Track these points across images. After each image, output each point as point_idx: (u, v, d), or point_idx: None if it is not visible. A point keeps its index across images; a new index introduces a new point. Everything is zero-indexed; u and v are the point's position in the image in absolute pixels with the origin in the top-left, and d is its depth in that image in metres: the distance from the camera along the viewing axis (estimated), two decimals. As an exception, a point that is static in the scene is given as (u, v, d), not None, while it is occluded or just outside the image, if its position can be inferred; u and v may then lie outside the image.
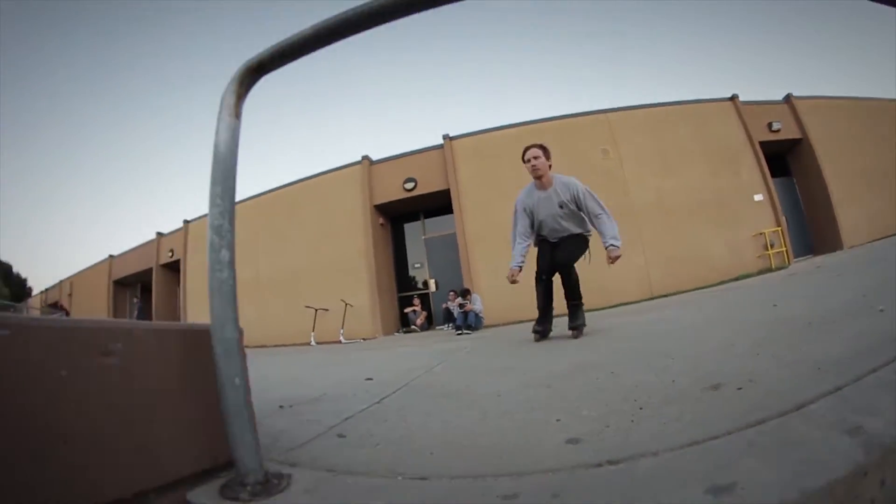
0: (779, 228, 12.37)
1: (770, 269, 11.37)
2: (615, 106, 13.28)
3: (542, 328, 4.46)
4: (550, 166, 4.44)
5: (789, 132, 13.79)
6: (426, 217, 14.36)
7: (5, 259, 40.47)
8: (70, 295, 23.82)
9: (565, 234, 4.45)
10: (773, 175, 13.14)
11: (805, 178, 13.98)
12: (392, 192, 13.51)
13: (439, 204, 13.57)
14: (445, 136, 13.37)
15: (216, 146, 1.32)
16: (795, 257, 12.58)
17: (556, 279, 4.56)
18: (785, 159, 14.53)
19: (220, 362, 1.14)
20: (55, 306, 24.53)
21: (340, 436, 1.60)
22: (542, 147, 4.40)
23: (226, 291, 1.20)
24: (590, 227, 4.47)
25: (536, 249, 4.69)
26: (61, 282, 25.49)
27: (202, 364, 1.20)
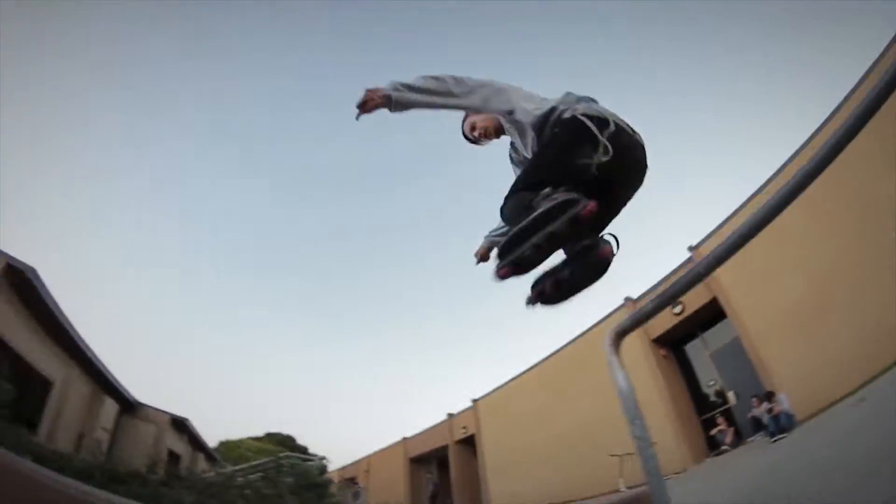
0: None
1: None
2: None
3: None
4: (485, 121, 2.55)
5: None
6: (703, 331, 13.83)
7: (301, 442, 47.87)
8: (367, 472, 26.98)
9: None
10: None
11: None
12: (663, 321, 13.55)
13: (711, 313, 12.97)
14: (690, 248, 13.39)
15: (620, 391, 1.98)
16: None
17: None
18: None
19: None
20: (352, 481, 28.45)
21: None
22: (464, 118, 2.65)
23: (656, 474, 1.82)
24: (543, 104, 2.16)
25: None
26: (357, 461, 29.99)
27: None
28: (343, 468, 31.46)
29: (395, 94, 2.06)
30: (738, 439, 11.65)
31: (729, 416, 12.34)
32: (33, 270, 10.85)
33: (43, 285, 11.30)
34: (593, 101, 2.10)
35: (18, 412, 7.77)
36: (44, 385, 12.05)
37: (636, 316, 2.00)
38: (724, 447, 11.50)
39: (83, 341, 13.61)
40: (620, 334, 2.03)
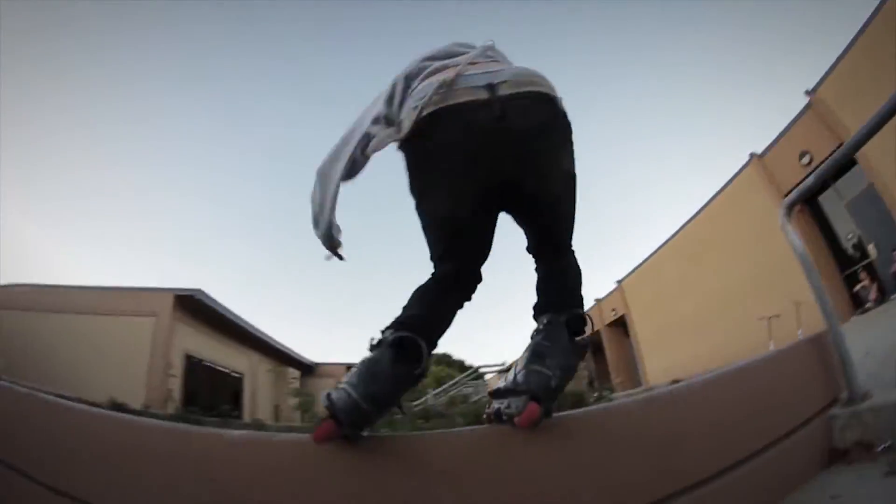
0: None
1: None
2: None
3: None
4: None
5: None
6: (835, 180, 12.37)
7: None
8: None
9: None
10: None
11: None
12: (793, 174, 12.37)
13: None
14: (808, 92, 12.11)
15: (797, 251, 2.36)
16: None
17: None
18: None
19: (842, 355, 1.98)
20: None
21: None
22: None
23: (832, 316, 2.10)
24: None
25: None
26: (506, 367, 30.43)
27: (805, 356, 2.07)
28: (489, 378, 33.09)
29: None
30: (883, 296, 10.83)
31: (871, 271, 11.47)
32: (200, 291, 12.82)
33: (211, 300, 13.34)
34: (429, 74, 1.35)
35: (221, 406, 9.43)
36: (236, 380, 14.48)
37: (801, 192, 2.41)
38: (868, 304, 10.79)
39: (255, 329, 15.95)
40: (791, 206, 2.44)
